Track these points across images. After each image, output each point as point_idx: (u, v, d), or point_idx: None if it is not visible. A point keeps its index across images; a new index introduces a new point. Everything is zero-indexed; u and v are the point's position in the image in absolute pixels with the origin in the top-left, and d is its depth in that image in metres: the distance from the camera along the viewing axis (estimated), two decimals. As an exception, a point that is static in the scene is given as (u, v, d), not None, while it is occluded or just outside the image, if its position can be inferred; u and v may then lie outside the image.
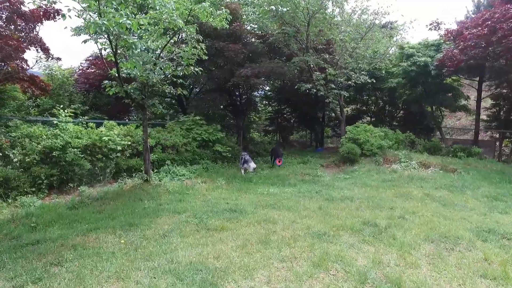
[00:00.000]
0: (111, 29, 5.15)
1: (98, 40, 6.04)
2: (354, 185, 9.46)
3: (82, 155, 8.43)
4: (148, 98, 8.42)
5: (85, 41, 5.66)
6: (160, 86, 7.99)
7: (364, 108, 22.72)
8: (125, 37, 5.38)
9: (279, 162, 12.47)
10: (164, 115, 14.67)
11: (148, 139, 8.05)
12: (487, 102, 17.55)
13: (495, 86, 16.03)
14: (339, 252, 4.56)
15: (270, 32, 13.76)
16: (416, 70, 14.43)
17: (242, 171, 11.08)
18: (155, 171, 9.32)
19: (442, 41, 14.91)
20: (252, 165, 11.12)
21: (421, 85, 15.80)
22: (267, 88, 22.36)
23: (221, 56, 12.35)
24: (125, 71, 7.11)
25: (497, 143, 16.07)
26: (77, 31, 6.57)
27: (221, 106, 14.73)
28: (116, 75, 7.17)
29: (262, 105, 23.80)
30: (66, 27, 6.05)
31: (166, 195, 7.83)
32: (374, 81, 14.41)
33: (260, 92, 21.04)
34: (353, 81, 13.59)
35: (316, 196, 8.09)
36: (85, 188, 7.91)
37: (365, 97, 22.28)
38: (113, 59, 6.65)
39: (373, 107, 22.77)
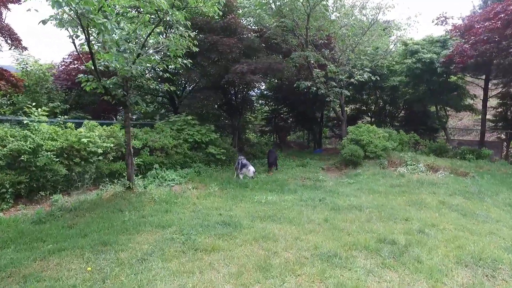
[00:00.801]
0: (74, 6, 4.25)
1: (62, 21, 5.07)
2: (360, 191, 8.62)
3: (57, 159, 7.48)
4: (131, 94, 7.50)
5: (43, 22, 4.72)
6: (145, 82, 7.07)
7: (364, 108, 21.96)
8: (92, 16, 4.47)
9: (269, 172, 11.62)
10: (153, 115, 13.72)
11: (131, 141, 7.14)
12: (492, 102, 16.85)
13: (502, 85, 15.31)
14: (356, 282, 3.69)
15: (267, 25, 12.88)
16: (421, 68, 13.64)
17: (241, 176, 10.17)
18: (139, 176, 8.41)
19: (449, 36, 14.15)
20: (252, 169, 10.25)
21: (426, 84, 15.02)
22: (264, 86, 21.58)
23: (215, 51, 11.45)
24: (102, 63, 6.18)
25: (505, 144, 15.35)
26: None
27: (215, 105, 13.80)
28: (93, 67, 6.24)
29: (258, 105, 22.95)
30: (29, 9, 5.02)
31: (151, 205, 6.91)
32: (378, 78, 13.59)
33: (256, 91, 20.21)
34: (356, 78, 12.74)
35: (320, 204, 7.23)
36: (59, 196, 6.97)
37: (364, 97, 21.53)
38: (87, 48, 5.73)
39: (373, 107, 22.02)
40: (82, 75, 6.66)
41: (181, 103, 12.80)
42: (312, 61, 12.59)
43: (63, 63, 12.42)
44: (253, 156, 14.49)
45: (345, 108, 14.69)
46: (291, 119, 21.75)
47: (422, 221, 6.00)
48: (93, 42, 5.98)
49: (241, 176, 10.20)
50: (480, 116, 15.70)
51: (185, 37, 6.66)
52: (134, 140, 9.78)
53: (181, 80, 14.88)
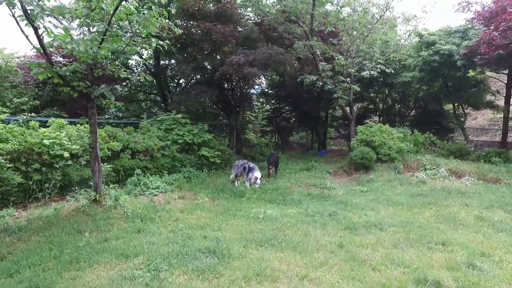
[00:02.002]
0: None
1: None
2: (376, 203, 7.24)
3: (10, 165, 6.15)
4: (107, 88, 6.14)
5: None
6: (115, 69, 5.72)
7: (372, 106, 20.56)
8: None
9: (268, 176, 10.32)
10: (140, 113, 12.39)
11: (98, 143, 5.77)
12: None
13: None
14: None
15: (267, 10, 11.51)
16: (438, 60, 12.24)
17: (247, 184, 8.83)
18: (114, 185, 7.06)
19: (470, 26, 12.73)
20: (258, 174, 8.74)
21: (442, 79, 13.63)
22: (264, 84, 20.23)
23: (208, 40, 10.11)
24: (55, 44, 4.85)
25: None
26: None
27: (211, 103, 12.47)
28: (42, 50, 4.91)
29: (259, 103, 21.58)
30: None
31: (121, 223, 5.56)
32: (393, 71, 12.22)
33: (256, 88, 18.87)
34: (367, 72, 11.34)
35: (330, 221, 5.86)
36: (8, 212, 5.62)
37: (372, 95, 20.13)
38: (27, 21, 4.39)
39: (381, 106, 20.61)
40: (36, 60, 5.31)
41: (171, 99, 11.43)
42: (318, 52, 11.22)
43: (38, 53, 11.01)
44: (252, 159, 13.12)
45: (353, 106, 13.28)
46: (293, 119, 20.35)
47: (466, 248, 4.62)
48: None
49: (247, 184, 8.83)
50: (501, 115, 14.25)
51: (161, 12, 5.29)
52: (113, 141, 8.45)
53: (170, 74, 13.58)
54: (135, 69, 14.77)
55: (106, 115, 15.04)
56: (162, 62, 14.59)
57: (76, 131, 8.12)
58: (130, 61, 15.20)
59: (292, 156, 15.84)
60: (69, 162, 7.25)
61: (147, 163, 8.94)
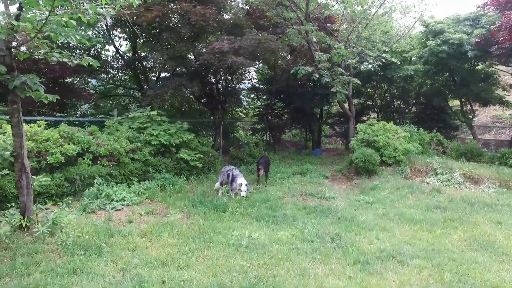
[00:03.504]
0: None
1: None
2: (387, 219, 5.92)
3: None
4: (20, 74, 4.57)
5: None
6: (47, 50, 4.25)
7: (370, 102, 19.31)
8: None
9: (257, 181, 9.02)
10: (110, 110, 10.86)
11: (25, 150, 4.29)
12: None
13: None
14: None
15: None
16: (447, 51, 10.96)
17: (232, 195, 7.44)
18: (66, 198, 5.61)
19: (482, 12, 11.46)
20: (242, 181, 7.27)
21: (449, 72, 12.38)
22: (255, 77, 18.82)
23: (186, 24, 8.64)
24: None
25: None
26: None
27: (191, 97, 11.01)
28: None
29: (249, 99, 20.17)
30: None
31: (55, 258, 4.13)
32: (398, 62, 10.93)
33: (246, 83, 17.46)
34: (371, 62, 10.01)
35: (334, 251, 4.51)
36: None
37: (369, 90, 18.87)
38: None
39: (379, 102, 19.37)
40: None
41: (146, 94, 9.94)
42: (314, 39, 9.83)
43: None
44: (239, 160, 11.74)
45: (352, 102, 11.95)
46: (286, 116, 18.98)
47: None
48: None
49: (232, 195, 7.45)
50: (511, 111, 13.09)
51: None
52: (68, 144, 6.97)
53: (149, 65, 12.10)
54: (113, 63, 13.24)
55: (79, 112, 13.51)
56: (143, 54, 13.12)
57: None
58: (107, 53, 13.72)
59: (284, 157, 14.50)
60: (6, 171, 5.78)
61: (112, 169, 7.48)
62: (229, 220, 5.90)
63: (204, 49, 9.14)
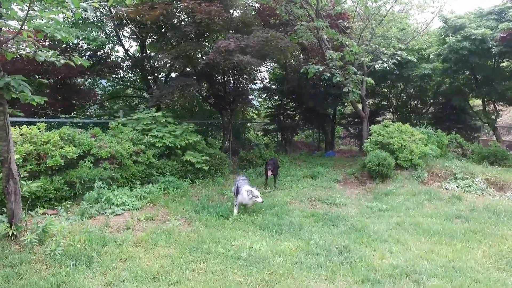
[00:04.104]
0: None
1: None
2: (402, 229, 5.45)
3: None
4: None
5: None
6: (34, 49, 4.02)
7: (385, 102, 18.62)
8: None
9: (265, 185, 8.66)
10: (116, 111, 10.73)
11: (12, 153, 4.07)
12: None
13: None
14: None
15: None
16: (468, 47, 10.30)
17: (235, 211, 6.30)
18: (65, 203, 5.41)
19: (509, 4, 10.71)
20: (252, 191, 6.11)
21: (470, 70, 11.67)
22: (267, 77, 18.48)
23: (191, 23, 8.38)
24: None
25: None
26: None
27: (200, 98, 10.76)
28: None
29: (261, 99, 19.83)
30: None
31: (41, 270, 3.89)
32: (415, 60, 10.36)
33: (259, 83, 17.16)
34: (386, 60, 9.48)
35: (341, 267, 4.10)
36: None
37: (385, 90, 18.19)
38: None
39: (394, 102, 18.67)
40: None
41: (152, 95, 9.74)
42: (324, 37, 9.39)
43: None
44: (248, 163, 11.42)
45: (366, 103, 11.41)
46: (298, 116, 18.53)
47: None
48: None
49: (235, 211, 6.30)
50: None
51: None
52: (69, 146, 6.79)
53: (157, 65, 11.92)
54: (123, 64, 13.15)
55: (88, 113, 13.49)
56: (153, 54, 12.98)
57: (20, 135, 6.50)
58: (117, 54, 13.65)
59: (296, 159, 14.09)
60: None
61: (113, 172, 7.27)
62: (231, 228, 5.56)
63: (206, 43, 8.83)
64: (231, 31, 8.88)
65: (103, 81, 14.82)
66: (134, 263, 4.18)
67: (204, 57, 8.59)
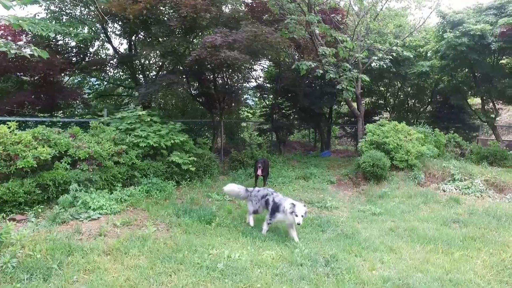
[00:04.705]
0: None
1: None
2: (396, 236, 5.06)
3: None
4: None
5: None
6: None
7: (382, 101, 18.26)
8: None
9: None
10: (101, 110, 10.30)
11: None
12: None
13: None
14: None
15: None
16: (467, 43, 9.93)
17: (264, 230, 5.20)
18: (36, 206, 5.02)
19: (509, -1, 10.36)
20: (296, 205, 4.77)
21: (469, 67, 11.31)
22: (262, 76, 18.10)
23: (177, 17, 7.98)
24: None
25: None
26: None
27: (190, 96, 10.36)
28: None
29: (256, 98, 19.46)
30: None
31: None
32: (411, 56, 9.99)
33: (253, 82, 16.79)
34: (381, 56, 9.09)
35: (326, 280, 3.71)
36: None
37: (381, 88, 17.84)
38: None
39: (392, 101, 18.32)
40: None
41: (138, 92, 9.34)
42: (316, 31, 8.99)
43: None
44: (239, 164, 11.01)
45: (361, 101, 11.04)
46: (293, 116, 18.15)
47: None
48: None
49: (264, 230, 5.18)
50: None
51: None
52: (43, 146, 6.38)
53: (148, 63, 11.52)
54: (112, 61, 12.73)
55: (77, 112, 13.06)
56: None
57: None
58: (107, 51, 13.23)
59: (290, 159, 13.70)
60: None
61: (92, 174, 6.85)
62: (212, 234, 5.18)
63: (193, 39, 8.44)
64: (219, 27, 8.46)
65: (93, 80, 14.43)
66: (98, 275, 3.78)
67: (190, 53, 8.17)
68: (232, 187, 5.99)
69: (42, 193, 6.08)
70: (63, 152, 6.75)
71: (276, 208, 5.02)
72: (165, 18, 8.38)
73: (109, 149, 7.26)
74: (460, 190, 7.49)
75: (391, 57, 9.54)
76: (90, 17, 10.62)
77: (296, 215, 4.64)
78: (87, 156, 6.85)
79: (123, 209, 6.41)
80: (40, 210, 5.82)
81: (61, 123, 8.49)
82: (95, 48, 12.72)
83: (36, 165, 6.10)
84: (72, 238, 4.80)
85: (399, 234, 5.11)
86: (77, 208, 6.04)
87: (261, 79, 18.12)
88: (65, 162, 6.67)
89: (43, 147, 6.38)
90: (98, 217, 5.92)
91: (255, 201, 5.55)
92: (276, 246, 4.62)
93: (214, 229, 5.44)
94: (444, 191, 7.61)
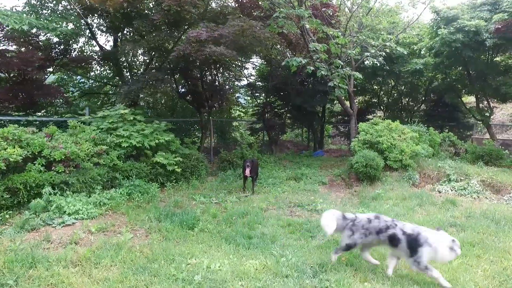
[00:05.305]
0: None
1: None
2: (389, 241, 4.73)
3: None
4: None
5: None
6: None
7: (375, 100, 18.03)
8: None
9: (244, 189, 7.92)
10: (82, 109, 9.83)
11: None
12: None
13: None
14: None
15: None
16: (461, 40, 9.68)
17: (414, 267, 3.55)
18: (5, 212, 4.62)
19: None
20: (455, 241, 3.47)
21: (463, 65, 11.07)
22: (254, 74, 17.74)
23: (159, 10, 7.58)
24: None
25: None
26: None
27: (177, 94, 9.96)
28: None
29: (248, 97, 19.13)
30: None
31: None
32: (405, 52, 9.71)
33: (242, 81, 16.47)
34: (373, 52, 8.78)
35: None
36: None
37: (375, 86, 17.61)
38: None
39: (385, 99, 18.09)
40: None
41: (120, 90, 8.90)
42: (307, 26, 8.65)
43: None
44: (229, 164, 10.63)
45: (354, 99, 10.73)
46: (286, 114, 17.81)
47: None
48: None
49: (414, 268, 3.56)
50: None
51: None
52: (13, 147, 5.95)
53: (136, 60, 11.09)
54: (99, 59, 12.23)
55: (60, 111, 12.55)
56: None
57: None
58: (92, 48, 12.75)
59: (281, 159, 13.39)
60: None
61: (68, 176, 6.42)
62: (193, 241, 4.81)
63: (177, 33, 8.05)
64: (205, 22, 8.07)
65: (79, 77, 13.94)
66: (61, 291, 3.39)
67: (173, 49, 7.77)
68: (328, 219, 4.04)
69: (11, 198, 5.64)
70: (36, 153, 6.32)
71: (417, 242, 3.46)
72: (149, 13, 7.96)
73: (87, 149, 6.84)
74: (456, 191, 7.21)
75: (384, 53, 9.24)
76: (73, 11, 10.14)
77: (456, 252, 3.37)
78: (63, 157, 6.42)
79: (101, 213, 6.02)
80: (8, 216, 5.38)
81: (38, 122, 8.03)
82: (80, 44, 12.29)
83: (5, 167, 5.67)
84: (38, 247, 4.40)
85: (393, 239, 4.78)
86: (51, 213, 5.63)
87: (253, 77, 17.79)
88: (38, 164, 6.24)
89: (14, 147, 5.95)
90: (73, 223, 5.52)
91: (360, 234, 3.82)
92: (261, 255, 4.26)
93: (196, 235, 5.08)
94: (439, 192, 7.33)
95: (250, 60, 14.48)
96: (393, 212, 6.04)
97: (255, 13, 10.89)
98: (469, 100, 14.37)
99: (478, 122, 12.81)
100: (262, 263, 4.00)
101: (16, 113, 7.61)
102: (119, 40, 10.98)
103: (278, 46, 11.42)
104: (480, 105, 12.28)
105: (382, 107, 17.66)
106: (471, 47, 10.02)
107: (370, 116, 16.74)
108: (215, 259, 4.08)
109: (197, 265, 3.96)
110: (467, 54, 10.13)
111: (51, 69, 11.09)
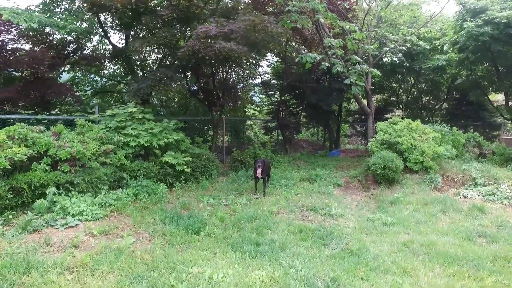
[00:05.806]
0: None
1: None
2: (410, 253, 4.30)
3: None
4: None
5: None
6: None
7: (394, 98, 17.34)
8: None
9: (255, 191, 7.57)
10: (92, 107, 9.73)
11: None
12: None
13: None
14: None
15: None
16: (490, 33, 9.01)
17: None
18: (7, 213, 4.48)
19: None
20: None
21: (491, 60, 10.36)
22: (269, 72, 17.42)
23: (168, 6, 7.35)
24: None
25: None
26: None
27: (188, 92, 9.75)
28: None
29: (262, 95, 18.81)
30: None
31: None
32: (427, 47, 9.15)
33: (256, 79, 16.14)
34: (393, 47, 8.26)
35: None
36: None
37: (394, 84, 16.92)
38: None
39: (405, 97, 17.37)
40: None
41: (130, 88, 8.75)
42: (321, 20, 8.23)
43: None
44: (241, 164, 10.33)
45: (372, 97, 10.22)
46: (301, 113, 17.37)
47: None
48: None
49: None
50: None
51: None
52: (19, 146, 5.84)
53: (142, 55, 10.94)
54: (106, 53, 12.19)
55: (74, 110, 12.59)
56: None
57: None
58: (106, 46, 12.73)
59: (296, 159, 13.00)
60: None
61: (74, 176, 6.28)
62: (197, 247, 4.53)
63: (189, 29, 7.80)
64: (214, 17, 7.78)
65: (92, 76, 13.99)
66: (52, 301, 3.17)
67: (183, 45, 7.52)
68: None
69: (16, 198, 5.52)
70: (42, 152, 6.20)
71: None
72: (157, 8, 7.75)
73: (94, 148, 6.68)
74: (483, 196, 6.65)
75: (404, 48, 8.70)
76: (85, 10, 10.09)
77: None
78: (68, 156, 6.28)
79: (106, 215, 5.84)
80: (11, 216, 5.26)
81: (47, 121, 7.97)
82: (93, 43, 12.28)
83: (9, 166, 5.56)
84: (36, 251, 4.22)
85: (414, 250, 4.35)
86: (54, 214, 5.49)
87: (268, 75, 17.47)
88: (44, 163, 6.11)
89: (19, 146, 5.85)
90: (77, 224, 5.35)
91: None
92: (268, 265, 3.93)
93: (202, 241, 4.79)
94: (464, 197, 6.78)
95: (265, 57, 14.11)
96: (413, 219, 5.58)
97: (269, 9, 10.54)
98: (496, 98, 13.55)
99: (507, 121, 12.01)
100: (269, 274, 3.67)
101: (26, 112, 7.57)
102: (130, 37, 10.91)
103: (293, 43, 11.00)
104: (510, 103, 11.50)
105: (401, 106, 16.97)
106: (501, 41, 9.33)
107: (388, 115, 16.09)
108: (219, 269, 3.78)
109: (198, 275, 3.67)
110: (496, 49, 9.46)
111: (64, 68, 11.14)
